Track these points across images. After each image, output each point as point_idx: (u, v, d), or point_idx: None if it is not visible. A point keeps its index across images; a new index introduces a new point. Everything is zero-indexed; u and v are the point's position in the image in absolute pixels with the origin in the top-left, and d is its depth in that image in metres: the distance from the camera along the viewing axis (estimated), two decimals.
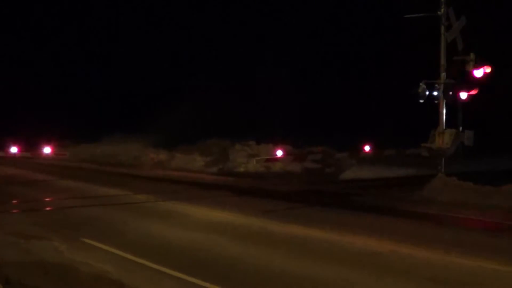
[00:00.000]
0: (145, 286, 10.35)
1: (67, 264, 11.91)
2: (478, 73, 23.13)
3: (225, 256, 12.76)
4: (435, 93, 23.64)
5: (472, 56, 23.16)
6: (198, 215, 18.39)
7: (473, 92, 23.61)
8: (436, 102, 23.88)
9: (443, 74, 23.66)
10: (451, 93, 23.59)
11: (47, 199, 22.45)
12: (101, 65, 63.26)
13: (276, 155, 34.72)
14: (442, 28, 23.51)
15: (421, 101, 23.61)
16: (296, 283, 10.66)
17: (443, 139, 23.84)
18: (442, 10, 23.52)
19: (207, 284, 10.42)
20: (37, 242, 14.03)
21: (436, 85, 23.69)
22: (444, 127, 23.94)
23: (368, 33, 53.82)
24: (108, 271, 11.34)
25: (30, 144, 36.97)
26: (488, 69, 23.13)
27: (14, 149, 34.62)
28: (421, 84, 23.48)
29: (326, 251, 13.31)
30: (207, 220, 17.65)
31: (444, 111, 23.90)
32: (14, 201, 21.51)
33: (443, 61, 23.67)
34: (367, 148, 37.16)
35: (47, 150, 36.19)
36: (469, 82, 23.42)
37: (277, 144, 36.13)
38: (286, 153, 35.33)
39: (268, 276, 11.08)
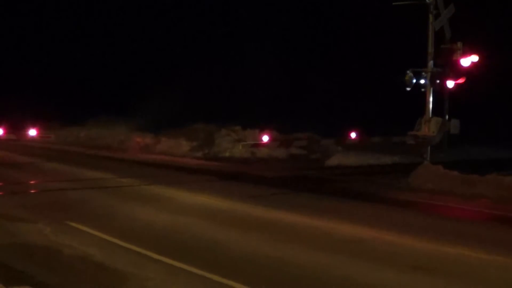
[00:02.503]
0: (128, 269, 10.33)
1: (52, 247, 11.87)
2: (465, 62, 23.21)
3: (209, 240, 12.76)
4: (422, 81, 23.70)
5: (459, 45, 23.25)
6: (183, 199, 18.40)
7: (460, 81, 23.70)
8: (423, 90, 23.94)
9: (431, 63, 23.72)
10: (438, 81, 23.67)
11: (32, 182, 22.35)
12: (87, 47, 62.92)
13: (262, 140, 34.82)
14: (430, 17, 23.55)
15: (408, 89, 23.68)
16: (280, 267, 10.69)
17: (429, 127, 23.93)
18: None
19: (190, 268, 10.42)
20: (22, 225, 13.98)
21: (423, 73, 23.76)
22: (430, 115, 24.02)
23: (355, 20, 53.73)
24: (92, 254, 11.32)
25: (16, 126, 36.89)
26: (475, 58, 23.21)
27: None
28: (408, 72, 23.54)
29: (310, 236, 13.35)
30: (192, 204, 17.67)
31: (431, 99, 23.98)
32: None
33: (430, 49, 23.74)
34: (353, 135, 37.42)
35: (32, 132, 36.19)
36: (456, 71, 23.49)
37: (263, 129, 36.22)
38: (272, 139, 35.43)
39: (252, 261, 11.11)
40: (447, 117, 24.73)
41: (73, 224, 14.09)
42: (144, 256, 11.32)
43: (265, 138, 35.05)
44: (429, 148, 23.95)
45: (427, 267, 10.81)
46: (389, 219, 15.77)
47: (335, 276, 10.26)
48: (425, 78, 23.66)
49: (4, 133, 35.20)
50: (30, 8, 67.88)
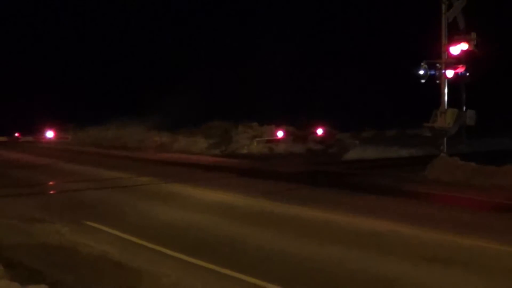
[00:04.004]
0: (144, 266, 10.41)
1: (69, 246, 11.99)
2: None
3: (225, 236, 12.83)
4: (437, 73, 23.59)
5: (473, 35, 23.11)
6: (200, 197, 18.47)
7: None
8: (437, 82, 23.83)
9: (445, 54, 23.60)
10: (452, 72, 23.55)
11: (50, 183, 22.54)
12: (104, 48, 63.14)
13: (277, 136, 34.81)
14: (443, 7, 23.45)
15: (423, 81, 23.58)
16: (295, 262, 10.73)
17: (445, 119, 23.81)
18: None
19: (206, 264, 10.51)
20: (39, 225, 14.11)
21: (438, 65, 23.64)
22: (446, 107, 23.90)
23: (370, 12, 53.55)
24: (109, 252, 11.43)
25: (33, 129, 37.16)
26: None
27: (17, 134, 34.88)
28: (422, 64, 23.44)
29: (326, 231, 13.36)
30: (209, 201, 17.73)
31: (446, 90, 23.87)
32: (17, 185, 21.58)
33: (444, 40, 23.61)
34: (368, 128, 37.30)
35: (49, 134, 36.44)
36: (471, 62, 23.38)
37: (280, 125, 36.23)
38: (287, 134, 35.41)
39: (268, 256, 11.16)
40: (464, 108, 24.62)
41: (91, 224, 14.22)
42: (161, 253, 11.42)
43: (280, 134, 35.05)
44: (445, 140, 23.82)
45: (443, 259, 10.77)
46: (405, 211, 15.72)
47: (351, 269, 10.27)
48: (439, 69, 23.55)
49: (22, 135, 35.49)
50: (45, 10, 68.22)
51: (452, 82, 24.00)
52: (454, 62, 23.39)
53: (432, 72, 23.47)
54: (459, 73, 23.70)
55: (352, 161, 29.82)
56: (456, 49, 23.13)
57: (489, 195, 18.57)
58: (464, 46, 23.00)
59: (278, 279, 9.69)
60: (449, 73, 23.54)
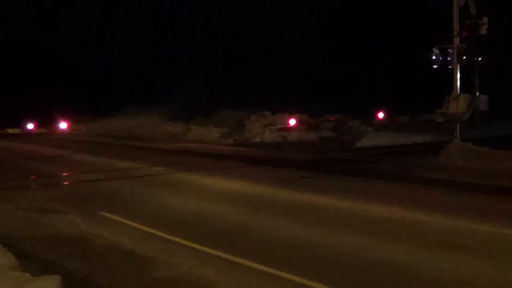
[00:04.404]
0: (158, 256, 10.48)
1: (83, 237, 12.10)
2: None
3: (238, 225, 12.89)
4: (449, 58, 23.47)
5: (485, 19, 22.97)
6: (213, 186, 18.53)
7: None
8: (450, 67, 23.71)
9: (457, 39, 23.45)
10: (464, 57, 23.43)
11: (64, 174, 22.68)
12: (116, 39, 63.23)
13: (290, 124, 34.79)
14: None
15: (435, 66, 23.45)
16: (308, 249, 10.78)
17: (458, 104, 23.69)
18: None
19: (219, 253, 10.57)
20: (53, 216, 14.23)
21: (450, 50, 23.49)
22: (458, 92, 23.79)
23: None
24: (123, 242, 11.51)
25: (46, 120, 37.29)
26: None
27: (30, 126, 35.03)
28: (434, 49, 23.29)
29: (339, 218, 13.40)
30: (222, 190, 17.80)
31: (458, 76, 23.74)
32: (32, 177, 21.73)
33: (456, 25, 23.46)
34: (380, 115, 37.16)
35: (63, 125, 36.57)
36: (482, 46, 23.25)
37: (292, 113, 36.19)
38: (299, 122, 35.38)
39: (281, 244, 11.20)
40: (477, 93, 24.49)
41: (104, 214, 14.33)
42: (174, 242, 11.49)
43: (292, 122, 35.00)
44: (458, 125, 23.72)
45: (457, 244, 10.78)
46: (418, 198, 15.70)
47: (363, 256, 10.29)
48: (451, 55, 23.41)
49: (35, 127, 35.62)
50: (56, 4, 68.31)
51: (464, 67, 23.87)
52: (466, 47, 23.25)
53: (449, 58, 23.34)
54: (473, 59, 23.57)
55: (364, 148, 29.72)
56: (472, 34, 23.02)
57: (503, 180, 18.48)
58: (479, 30, 22.89)
59: (292, 267, 9.72)
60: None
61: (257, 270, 9.68)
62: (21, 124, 35.37)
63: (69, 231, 12.68)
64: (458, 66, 23.47)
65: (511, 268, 9.65)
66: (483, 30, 22.85)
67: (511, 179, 18.32)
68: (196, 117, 40.71)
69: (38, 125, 35.99)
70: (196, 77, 46.64)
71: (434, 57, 23.27)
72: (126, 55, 60.09)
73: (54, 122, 36.61)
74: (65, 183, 20.55)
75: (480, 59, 23.50)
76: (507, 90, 37.57)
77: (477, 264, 9.79)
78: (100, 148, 33.13)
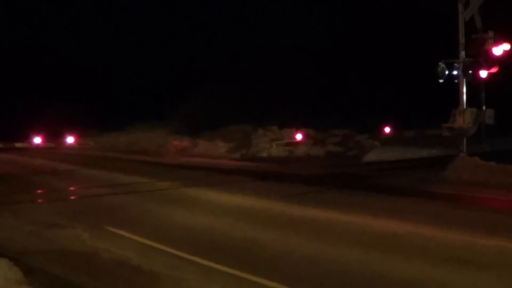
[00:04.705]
0: (163, 271, 10.48)
1: (89, 252, 12.09)
2: (497, 51, 22.96)
3: (245, 240, 12.87)
4: (455, 72, 23.50)
5: (490, 34, 23.02)
6: (219, 201, 18.53)
7: (493, 70, 23.45)
8: (456, 81, 23.74)
9: (462, 53, 23.52)
10: (470, 71, 23.45)
11: (71, 188, 22.71)
12: (124, 53, 63.47)
13: (296, 139, 34.82)
14: (460, 6, 23.36)
15: (441, 80, 23.48)
16: (313, 265, 10.74)
17: (464, 119, 23.72)
18: None
19: (225, 268, 10.56)
20: (60, 231, 14.24)
21: (456, 64, 23.54)
22: (464, 106, 23.81)
23: (386, 12, 53.38)
24: (129, 257, 11.50)
25: (53, 135, 37.43)
26: (507, 47, 22.94)
27: (37, 140, 35.16)
28: (440, 63, 23.34)
29: (345, 233, 13.35)
30: (228, 205, 17.80)
31: (465, 90, 23.77)
32: (38, 191, 21.81)
33: (461, 39, 23.52)
34: (387, 129, 37.16)
35: (70, 140, 36.71)
36: (489, 60, 23.25)
37: (299, 128, 36.24)
38: (306, 137, 35.41)
39: (286, 259, 11.18)
40: (484, 107, 24.49)
41: (111, 229, 14.33)
42: (180, 258, 11.47)
43: (299, 136, 35.05)
44: (465, 139, 23.71)
45: (465, 260, 10.70)
46: (424, 212, 15.64)
47: (370, 271, 10.24)
48: (457, 69, 23.45)
49: (42, 141, 35.76)
50: (66, 18, 68.68)
51: (470, 82, 23.90)
52: (472, 61, 23.29)
53: (455, 72, 23.37)
54: (478, 72, 23.59)
55: (371, 162, 29.69)
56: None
57: (509, 194, 18.46)
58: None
59: (298, 282, 9.72)
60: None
61: (263, 285, 9.67)
62: (28, 138, 35.54)
63: (75, 245, 12.68)
64: (464, 80, 23.50)
65: None
66: (489, 44, 22.88)
67: None
68: (203, 132, 40.83)
69: (46, 139, 36.13)
70: (202, 92, 46.75)
71: (440, 71, 23.31)
72: (133, 70, 60.30)
73: (62, 136, 36.76)
74: (72, 197, 20.59)
75: (486, 73, 23.49)
76: None
77: (485, 279, 9.74)
78: (108, 163, 33.20)
